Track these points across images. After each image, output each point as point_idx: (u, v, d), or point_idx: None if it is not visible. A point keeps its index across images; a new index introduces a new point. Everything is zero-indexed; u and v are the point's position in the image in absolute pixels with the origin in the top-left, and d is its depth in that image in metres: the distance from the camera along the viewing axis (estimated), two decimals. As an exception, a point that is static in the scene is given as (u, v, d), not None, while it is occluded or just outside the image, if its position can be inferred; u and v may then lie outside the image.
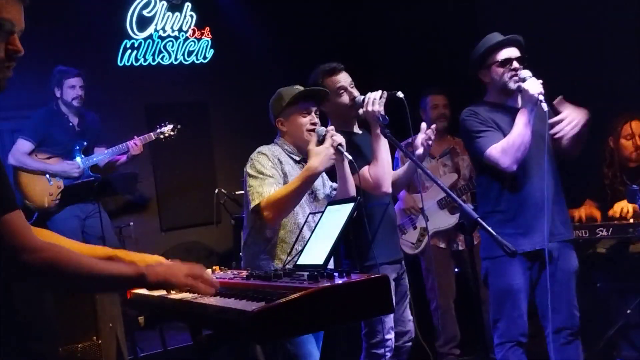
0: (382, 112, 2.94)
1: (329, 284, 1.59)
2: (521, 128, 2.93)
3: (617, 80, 4.60)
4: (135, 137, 4.89)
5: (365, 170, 2.98)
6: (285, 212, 2.67)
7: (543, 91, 2.90)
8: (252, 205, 2.66)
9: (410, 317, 3.21)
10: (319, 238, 2.13)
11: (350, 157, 2.69)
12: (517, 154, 2.93)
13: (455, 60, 5.75)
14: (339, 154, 2.70)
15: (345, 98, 3.10)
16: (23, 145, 4.73)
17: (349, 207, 2.08)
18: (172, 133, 5.07)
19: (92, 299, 2.43)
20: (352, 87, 3.13)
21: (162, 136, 5.04)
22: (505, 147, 2.95)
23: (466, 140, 3.20)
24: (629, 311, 3.97)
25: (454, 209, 4.28)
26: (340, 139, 2.70)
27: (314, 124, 2.82)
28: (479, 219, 2.15)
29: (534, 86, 2.90)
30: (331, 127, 2.76)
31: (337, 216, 2.11)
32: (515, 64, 3.04)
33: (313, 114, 2.85)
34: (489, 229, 2.19)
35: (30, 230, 1.49)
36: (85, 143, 4.84)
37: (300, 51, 6.26)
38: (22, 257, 1.44)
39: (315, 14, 6.58)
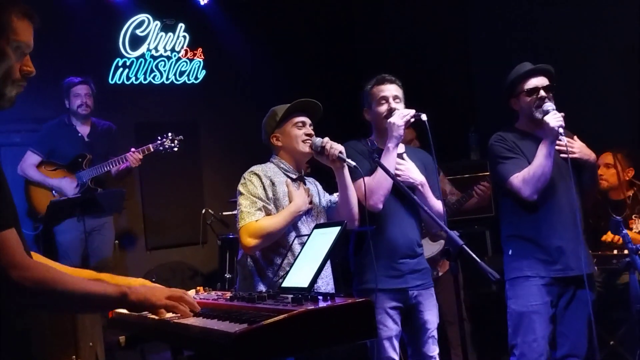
0: (402, 127, 2.95)
1: (312, 307, 1.58)
2: (542, 159, 3.01)
3: (604, 108, 4.68)
4: (133, 148, 4.80)
5: (361, 179, 2.92)
6: (265, 242, 2.69)
7: (563, 124, 2.98)
8: (239, 224, 2.67)
9: (432, 354, 3.06)
10: (304, 261, 2.12)
11: (353, 164, 2.70)
12: (538, 184, 3.02)
13: (447, 79, 5.86)
14: (340, 161, 2.72)
15: (382, 108, 3.08)
16: (30, 157, 4.82)
17: (335, 230, 2.08)
18: (172, 145, 4.89)
19: (72, 316, 2.39)
20: (395, 101, 3.08)
21: (161, 148, 4.87)
22: (527, 177, 3.03)
23: (491, 164, 3.27)
24: (612, 342, 3.98)
25: (436, 236, 4.24)
26: (338, 147, 2.74)
27: (308, 135, 2.83)
28: (464, 246, 2.16)
29: (554, 120, 2.98)
30: (326, 138, 2.78)
31: (324, 239, 2.10)
32: (542, 93, 3.11)
33: (308, 126, 2.86)
34: (474, 256, 2.19)
35: (22, 249, 1.50)
36: (88, 155, 4.82)
37: (292, 74, 6.32)
38: (12, 274, 1.45)
39: (307, 37, 6.66)
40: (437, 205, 3.08)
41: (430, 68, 5.90)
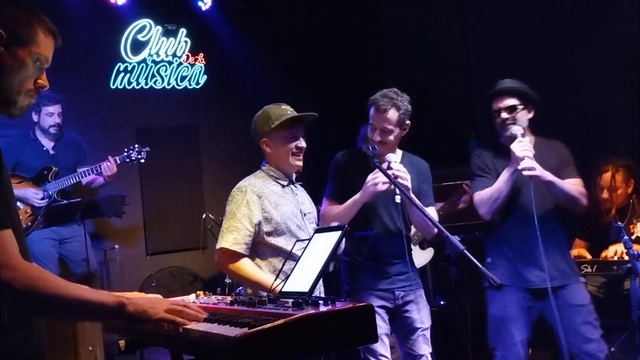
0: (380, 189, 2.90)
1: (313, 311, 1.58)
2: (501, 184, 3.12)
3: (604, 117, 4.68)
4: (110, 157, 4.74)
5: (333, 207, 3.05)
6: (232, 276, 2.86)
7: (530, 154, 3.00)
8: (217, 245, 2.72)
9: (424, 352, 3.10)
10: (305, 265, 2.11)
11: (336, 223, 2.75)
12: (493, 205, 3.15)
13: (446, 86, 5.87)
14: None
15: (373, 135, 3.10)
16: None
17: (336, 235, 2.07)
18: (139, 156, 4.81)
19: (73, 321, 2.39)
20: (384, 132, 3.06)
21: (127, 160, 4.80)
22: (483, 198, 3.17)
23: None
24: (612, 349, 3.96)
25: (424, 245, 4.26)
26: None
27: (299, 148, 2.82)
28: (465, 251, 2.16)
29: (520, 149, 3.01)
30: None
31: (324, 244, 2.10)
32: (503, 115, 3.15)
33: (301, 138, 2.84)
34: (475, 261, 2.19)
35: (16, 250, 1.49)
36: (54, 168, 4.76)
37: (293, 80, 6.33)
38: (2, 274, 1.44)
39: (308, 43, 6.67)
40: (431, 211, 3.12)
41: (429, 74, 5.90)
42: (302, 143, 2.83)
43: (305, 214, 2.86)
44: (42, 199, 4.68)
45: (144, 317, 1.67)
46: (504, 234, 3.23)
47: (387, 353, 3.07)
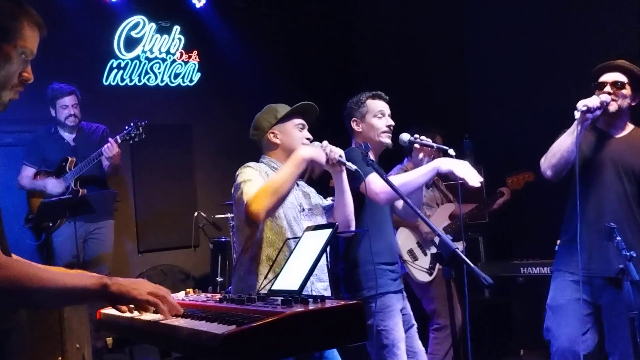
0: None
1: (302, 309, 1.56)
2: (564, 136, 3.00)
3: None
4: (110, 138, 4.73)
5: (372, 178, 2.90)
6: (272, 200, 2.51)
7: (587, 104, 2.87)
8: (245, 200, 2.54)
9: (421, 348, 3.13)
10: (295, 264, 2.10)
11: (354, 167, 2.64)
12: (553, 160, 3.02)
13: (441, 85, 5.86)
14: (340, 165, 2.68)
15: (382, 122, 3.11)
16: (24, 171, 4.88)
17: (326, 233, 2.06)
18: (137, 132, 4.70)
19: (59, 317, 2.36)
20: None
21: (127, 137, 4.71)
22: (547, 152, 3.06)
23: None
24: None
25: (456, 236, 4.29)
26: (338, 150, 2.69)
27: (308, 139, 2.82)
28: (457, 250, 2.14)
29: (581, 102, 2.90)
30: (325, 142, 2.73)
31: (315, 242, 2.09)
32: (607, 89, 3.01)
33: (306, 130, 2.85)
34: (467, 260, 2.17)
35: None
36: (70, 158, 4.79)
37: (287, 78, 6.32)
38: None
39: (303, 41, 6.65)
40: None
41: (424, 73, 5.90)
42: (309, 135, 2.83)
43: (303, 209, 2.83)
44: (63, 190, 4.71)
45: (127, 297, 1.65)
46: (573, 217, 2.98)
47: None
